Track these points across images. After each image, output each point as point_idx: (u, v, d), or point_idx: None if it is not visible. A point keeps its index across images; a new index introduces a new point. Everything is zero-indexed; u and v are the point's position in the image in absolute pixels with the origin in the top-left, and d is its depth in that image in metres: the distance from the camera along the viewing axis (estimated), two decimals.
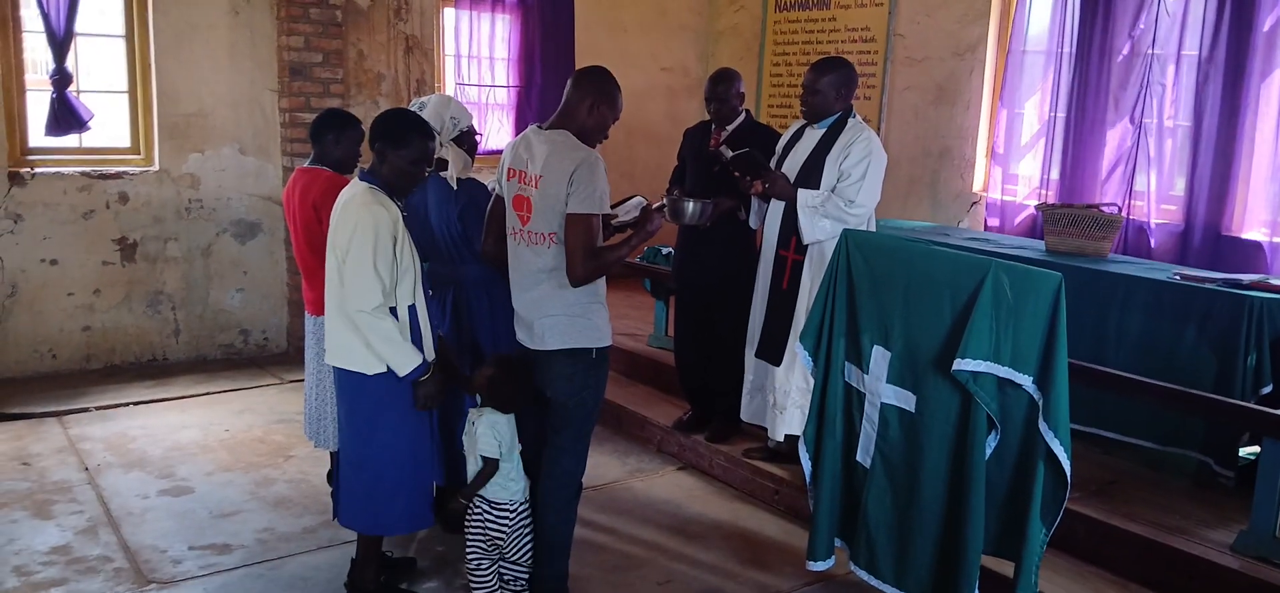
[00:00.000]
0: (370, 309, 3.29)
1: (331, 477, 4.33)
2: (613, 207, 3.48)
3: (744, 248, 4.91)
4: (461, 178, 3.98)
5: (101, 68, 6.48)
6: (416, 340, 3.44)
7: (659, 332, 6.40)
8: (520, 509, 3.57)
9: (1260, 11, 5.34)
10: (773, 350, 4.57)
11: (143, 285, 6.48)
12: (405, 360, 3.36)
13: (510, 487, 3.54)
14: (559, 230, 3.31)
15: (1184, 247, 5.67)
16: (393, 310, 3.36)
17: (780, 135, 4.79)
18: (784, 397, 4.55)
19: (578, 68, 3.96)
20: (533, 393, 3.58)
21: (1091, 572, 3.90)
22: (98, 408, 5.75)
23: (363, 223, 3.29)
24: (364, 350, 3.37)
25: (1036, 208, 5.79)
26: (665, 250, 6.26)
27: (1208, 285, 4.44)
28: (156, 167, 6.43)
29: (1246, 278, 4.55)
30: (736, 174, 4.49)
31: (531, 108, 7.77)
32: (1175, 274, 4.68)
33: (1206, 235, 5.60)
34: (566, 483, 3.53)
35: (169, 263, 6.53)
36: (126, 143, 6.47)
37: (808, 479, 3.67)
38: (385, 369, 3.38)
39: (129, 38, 6.35)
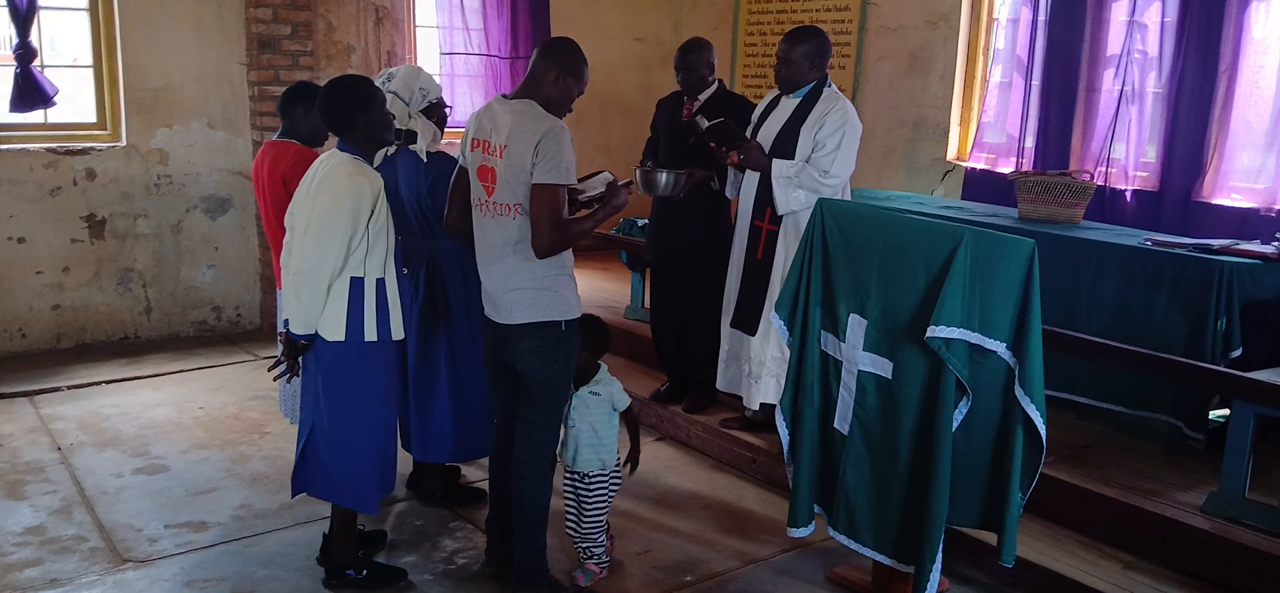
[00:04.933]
0: (308, 270, 3.30)
1: None
2: (579, 181, 3.45)
3: (718, 219, 4.90)
4: (431, 150, 3.94)
5: (66, 42, 6.37)
6: (383, 314, 3.43)
7: (635, 303, 6.39)
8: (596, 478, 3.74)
9: None
10: (748, 320, 4.57)
11: (112, 263, 6.40)
12: (299, 322, 3.35)
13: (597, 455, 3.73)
14: (524, 201, 3.28)
15: (1156, 213, 5.70)
16: (360, 281, 3.35)
17: (753, 105, 4.78)
18: (759, 366, 4.56)
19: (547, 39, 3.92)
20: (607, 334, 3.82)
21: (1066, 535, 3.93)
22: (69, 387, 5.70)
23: (345, 193, 3.28)
24: (332, 315, 3.37)
25: (1010, 176, 5.80)
26: (641, 222, 6.24)
27: (1178, 251, 4.47)
28: (124, 142, 6.34)
29: (1216, 243, 4.58)
30: (712, 144, 4.47)
31: (507, 79, 7.70)
32: (1146, 240, 4.71)
33: (1178, 201, 5.63)
34: (540, 456, 3.52)
35: (139, 240, 6.45)
36: (93, 118, 6.36)
37: (785, 449, 3.67)
38: (344, 338, 3.38)
39: (93, 11, 6.24)
